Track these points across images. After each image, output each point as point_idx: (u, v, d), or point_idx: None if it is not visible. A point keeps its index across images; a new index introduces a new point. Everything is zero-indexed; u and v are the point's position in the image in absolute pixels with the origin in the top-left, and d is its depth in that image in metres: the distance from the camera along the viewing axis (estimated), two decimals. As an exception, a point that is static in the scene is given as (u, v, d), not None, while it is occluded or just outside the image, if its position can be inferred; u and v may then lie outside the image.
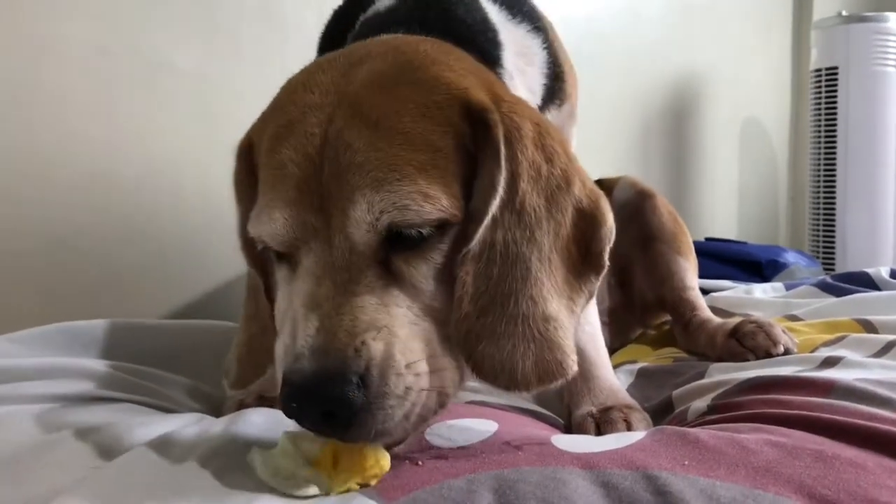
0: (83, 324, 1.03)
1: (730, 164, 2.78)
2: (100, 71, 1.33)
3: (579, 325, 0.91)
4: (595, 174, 1.28)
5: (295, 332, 0.62)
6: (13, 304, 1.25)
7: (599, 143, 2.20)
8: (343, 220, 0.62)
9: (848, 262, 2.57)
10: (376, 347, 0.60)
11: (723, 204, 2.75)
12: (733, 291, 1.58)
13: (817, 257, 2.58)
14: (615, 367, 1.05)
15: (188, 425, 0.75)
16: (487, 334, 0.64)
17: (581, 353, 0.90)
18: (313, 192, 0.63)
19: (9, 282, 1.25)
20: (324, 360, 0.59)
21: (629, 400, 0.88)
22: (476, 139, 0.66)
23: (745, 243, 2.34)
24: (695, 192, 2.65)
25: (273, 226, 0.65)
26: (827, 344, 1.05)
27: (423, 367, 0.63)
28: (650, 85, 2.44)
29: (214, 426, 0.74)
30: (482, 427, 0.74)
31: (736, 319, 1.13)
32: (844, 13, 2.59)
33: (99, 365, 0.90)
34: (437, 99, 0.66)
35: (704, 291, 1.35)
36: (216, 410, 0.89)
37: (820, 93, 2.62)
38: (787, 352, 1.03)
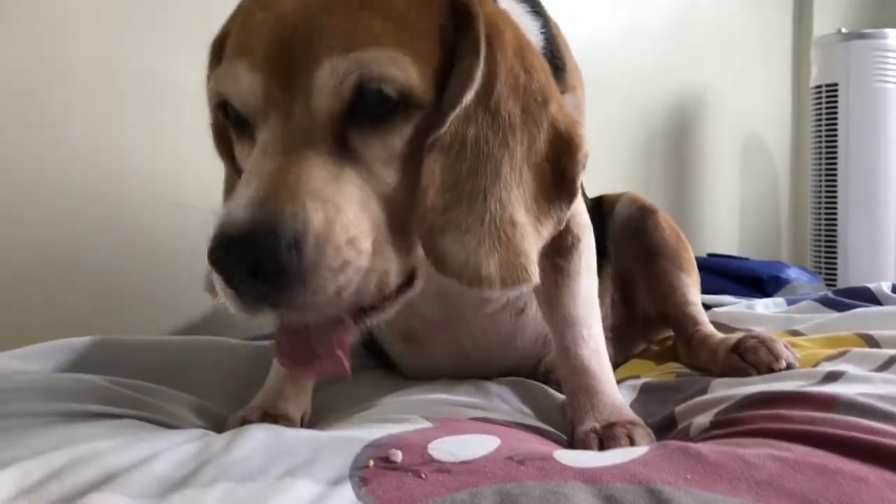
0: (86, 340, 1.03)
1: (731, 180, 2.78)
2: (106, 90, 1.34)
3: (583, 341, 0.92)
4: (597, 191, 1.30)
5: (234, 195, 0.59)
6: (16, 319, 1.25)
7: (602, 159, 2.21)
8: (307, 84, 0.61)
9: (849, 277, 2.57)
10: (316, 216, 0.57)
11: (724, 220, 2.76)
12: (735, 307, 1.58)
13: (819, 273, 2.59)
14: (618, 382, 1.04)
15: (190, 441, 0.75)
16: (451, 228, 0.63)
17: (585, 370, 0.91)
18: (281, 58, 0.61)
19: (12, 297, 1.25)
20: (258, 211, 0.56)
21: (632, 416, 0.88)
22: (457, 31, 0.66)
23: (746, 259, 2.34)
24: (697, 208, 2.65)
25: (237, 87, 0.63)
26: (829, 359, 1.05)
27: (365, 245, 0.60)
28: (652, 102, 2.45)
29: (216, 442, 0.74)
30: (485, 442, 0.74)
31: (738, 335, 1.13)
32: (844, 30, 2.61)
33: (101, 381, 0.90)
34: None
35: (706, 307, 1.35)
36: (219, 427, 0.89)
37: (820, 109, 2.63)
38: (789, 367, 1.03)
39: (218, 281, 0.59)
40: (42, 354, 0.97)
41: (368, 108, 0.62)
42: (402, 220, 0.65)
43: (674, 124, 2.56)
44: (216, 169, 1.45)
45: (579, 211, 0.95)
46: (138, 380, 0.94)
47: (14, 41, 1.25)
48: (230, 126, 0.70)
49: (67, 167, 1.31)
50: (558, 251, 0.95)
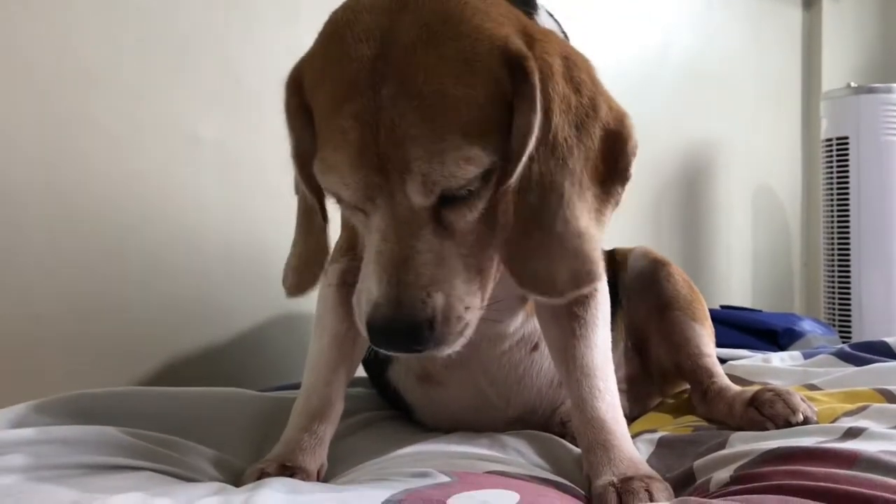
0: (103, 392, 1.03)
1: (743, 232, 2.79)
2: (126, 142, 1.37)
3: (599, 393, 0.92)
4: (608, 243, 1.30)
5: (370, 284, 0.74)
6: (36, 368, 1.26)
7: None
8: (402, 186, 0.71)
9: (864, 330, 2.55)
10: (438, 300, 0.73)
11: (737, 271, 2.75)
12: (751, 360, 1.57)
13: (833, 325, 2.57)
14: (635, 435, 1.04)
15: (208, 495, 0.75)
16: (530, 254, 0.75)
17: (601, 423, 0.90)
18: (374, 155, 0.71)
19: (32, 346, 1.26)
20: (396, 309, 0.72)
21: (650, 470, 0.88)
22: (513, 82, 0.73)
23: (759, 311, 2.33)
24: (709, 260, 2.65)
25: (346, 189, 0.74)
26: (848, 414, 1.04)
27: (475, 302, 0.76)
28: (662, 153, 2.47)
29: (235, 498, 0.74)
30: (503, 498, 0.73)
31: (754, 388, 1.12)
32: (853, 84, 2.63)
33: (120, 433, 0.90)
34: (478, 51, 0.72)
35: (721, 360, 1.34)
36: (237, 480, 0.88)
37: (831, 162, 2.64)
38: (806, 421, 1.02)
39: None
40: (63, 406, 0.97)
41: (457, 197, 0.73)
42: (490, 249, 0.78)
43: (685, 176, 2.57)
44: (234, 217, 1.48)
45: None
46: (157, 430, 0.94)
47: (40, 97, 1.28)
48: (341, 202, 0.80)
49: (87, 217, 1.32)
50: (576, 300, 0.95)
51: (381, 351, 0.77)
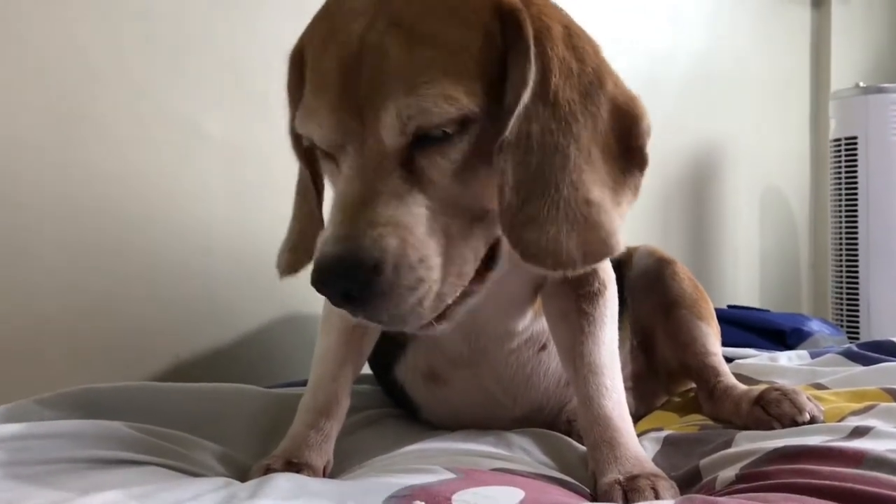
0: (110, 386, 1.03)
1: (751, 232, 2.78)
2: (132, 140, 1.37)
3: (606, 391, 0.92)
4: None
5: (327, 227, 0.70)
6: (42, 365, 1.26)
7: (620, 210, 2.21)
8: (375, 125, 0.69)
9: (872, 329, 2.54)
10: (391, 242, 0.67)
11: (744, 271, 2.75)
12: (758, 359, 1.57)
13: (841, 325, 2.56)
14: (641, 434, 1.04)
15: (214, 490, 0.75)
16: (531, 220, 0.70)
17: (607, 421, 0.90)
18: (352, 97, 0.69)
19: (37, 344, 1.26)
20: (343, 247, 0.67)
21: (655, 468, 0.88)
22: (506, 38, 0.71)
23: (767, 311, 2.32)
24: (716, 260, 2.65)
25: (320, 130, 0.72)
26: (855, 413, 1.04)
27: (435, 260, 0.69)
28: (670, 153, 2.46)
29: (240, 492, 0.74)
30: (508, 495, 0.73)
31: (761, 387, 1.12)
32: (862, 84, 2.62)
33: (126, 428, 0.90)
34: (471, 2, 0.71)
35: (728, 360, 1.34)
36: (243, 475, 0.88)
37: (840, 162, 2.63)
38: (813, 420, 1.02)
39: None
40: (67, 400, 0.97)
41: (431, 138, 0.70)
42: (471, 219, 0.73)
43: (692, 176, 2.56)
44: (241, 215, 1.48)
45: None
46: (163, 426, 0.94)
47: (48, 96, 1.28)
48: (317, 149, 0.77)
49: (97, 216, 1.33)
50: (585, 296, 0.96)
51: (326, 298, 0.71)
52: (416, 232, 0.68)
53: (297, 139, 0.81)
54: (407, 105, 0.68)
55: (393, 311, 0.68)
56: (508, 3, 0.72)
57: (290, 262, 0.87)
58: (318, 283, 0.68)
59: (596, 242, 0.71)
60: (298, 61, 0.80)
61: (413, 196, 0.69)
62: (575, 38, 0.75)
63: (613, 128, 0.75)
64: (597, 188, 0.72)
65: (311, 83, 0.75)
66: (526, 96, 0.70)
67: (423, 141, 0.70)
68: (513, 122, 0.70)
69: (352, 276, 0.66)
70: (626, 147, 0.76)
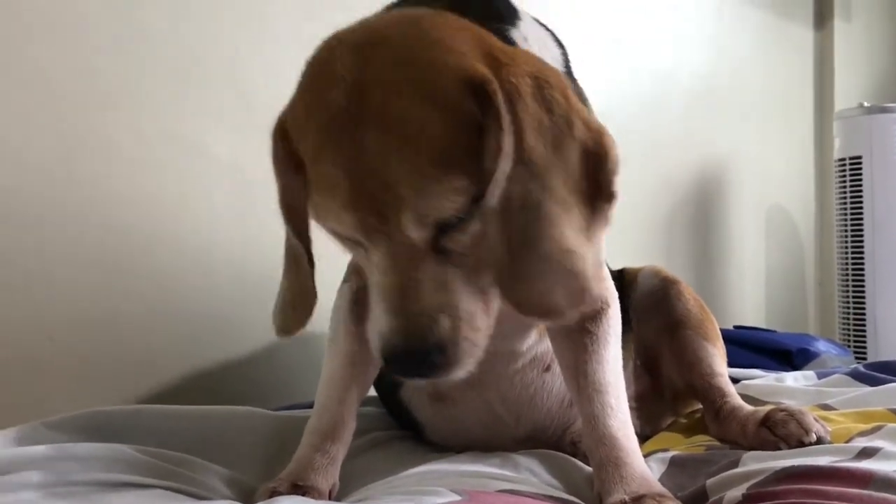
0: (116, 409, 1.04)
1: (756, 251, 2.78)
2: (135, 158, 1.38)
3: (611, 410, 0.92)
4: (619, 263, 1.30)
5: (377, 317, 0.75)
6: (48, 381, 1.27)
7: (624, 230, 2.21)
8: (398, 225, 0.72)
9: (879, 349, 2.53)
10: (445, 323, 0.74)
11: (750, 291, 2.74)
12: (764, 380, 1.56)
13: (848, 346, 2.55)
14: (647, 455, 1.03)
15: (219, 512, 0.75)
16: (523, 276, 0.74)
17: (613, 441, 0.90)
18: (365, 199, 0.72)
19: (44, 360, 1.27)
20: (404, 336, 0.73)
21: (662, 488, 0.87)
22: (482, 108, 0.73)
23: (773, 331, 2.32)
24: (722, 280, 2.64)
25: (341, 227, 0.76)
26: (863, 434, 1.03)
27: (482, 323, 0.77)
28: (674, 172, 2.47)
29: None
30: (514, 516, 0.73)
31: (767, 407, 1.11)
32: (866, 104, 2.63)
33: (132, 451, 0.90)
34: (443, 86, 0.72)
35: (734, 380, 1.34)
36: (249, 498, 0.88)
37: (845, 181, 2.64)
38: (819, 441, 1.01)
39: None
40: (74, 423, 0.97)
41: (449, 224, 0.74)
42: (485, 275, 0.77)
43: (697, 195, 2.57)
44: (247, 235, 1.48)
45: (607, 278, 0.96)
46: (169, 449, 0.95)
47: (54, 115, 1.29)
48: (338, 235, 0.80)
49: (103, 237, 1.33)
50: (588, 315, 0.96)
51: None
52: (461, 308, 0.75)
53: (289, 212, 0.83)
54: (423, 206, 0.71)
55: (459, 371, 0.76)
56: (478, 76, 0.73)
57: (283, 325, 0.91)
58: (395, 369, 0.77)
59: (578, 290, 0.75)
60: (283, 135, 0.81)
61: (447, 274, 0.75)
62: (545, 89, 0.76)
63: (583, 170, 0.77)
64: (572, 234, 0.75)
65: (317, 184, 0.76)
66: (502, 165, 0.72)
67: (443, 227, 0.74)
68: (494, 187, 0.72)
69: (425, 362, 0.74)
70: (596, 185, 0.78)
